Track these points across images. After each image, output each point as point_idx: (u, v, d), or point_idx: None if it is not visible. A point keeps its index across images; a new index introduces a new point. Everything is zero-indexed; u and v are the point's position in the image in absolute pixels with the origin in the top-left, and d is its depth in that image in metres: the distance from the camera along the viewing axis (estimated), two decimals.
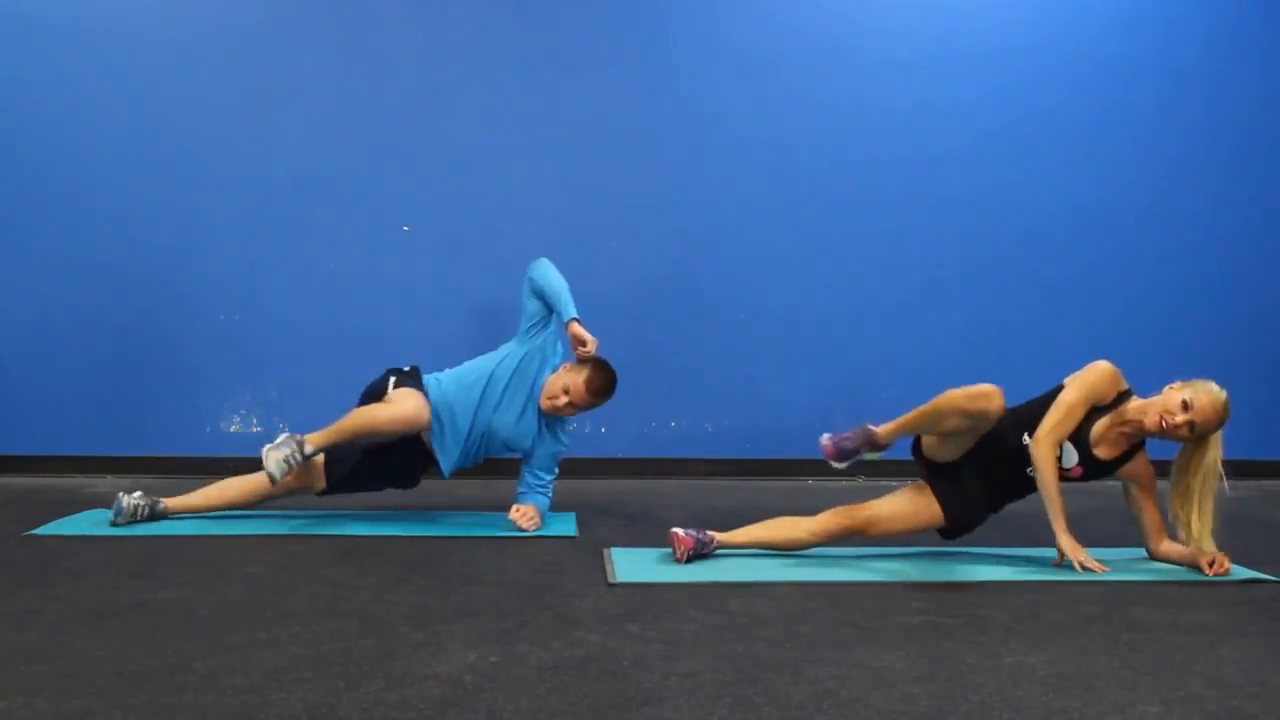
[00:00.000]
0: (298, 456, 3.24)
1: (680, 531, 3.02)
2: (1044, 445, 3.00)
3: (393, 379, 3.45)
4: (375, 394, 3.44)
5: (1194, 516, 2.98)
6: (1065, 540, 3.02)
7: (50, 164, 4.49)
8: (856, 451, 3.06)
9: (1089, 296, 4.95)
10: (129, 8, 4.53)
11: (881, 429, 3.04)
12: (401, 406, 3.32)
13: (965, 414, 2.91)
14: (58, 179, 4.49)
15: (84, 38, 4.50)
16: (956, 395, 2.92)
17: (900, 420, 3.04)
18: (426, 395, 3.41)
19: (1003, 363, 4.74)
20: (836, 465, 3.10)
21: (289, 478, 3.34)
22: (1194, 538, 2.99)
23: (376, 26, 4.65)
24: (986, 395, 2.90)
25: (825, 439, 3.10)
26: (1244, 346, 5.03)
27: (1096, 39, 4.96)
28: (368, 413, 3.33)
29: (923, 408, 2.98)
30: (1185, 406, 2.91)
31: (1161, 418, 2.92)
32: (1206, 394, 2.92)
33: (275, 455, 3.22)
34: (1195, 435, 2.95)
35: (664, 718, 1.82)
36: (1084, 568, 2.97)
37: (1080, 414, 3.02)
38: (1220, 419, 2.93)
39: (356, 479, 3.54)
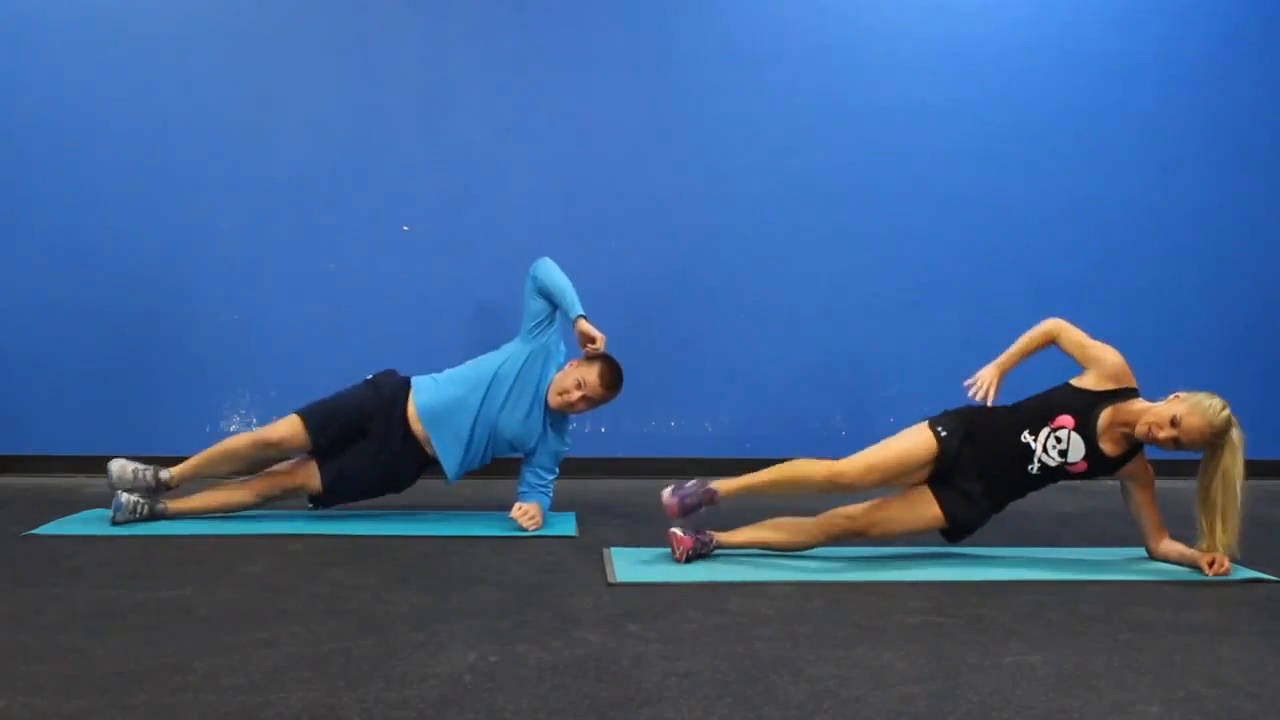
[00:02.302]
0: (147, 476, 3.37)
1: (680, 531, 3.02)
2: (1055, 320, 3.20)
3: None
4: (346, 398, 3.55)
5: (1218, 525, 2.97)
6: (989, 367, 3.19)
7: (50, 163, 4.49)
8: (698, 507, 3.05)
9: (1089, 296, 4.94)
10: (129, 8, 4.52)
11: (722, 487, 3.06)
12: (266, 429, 3.48)
13: (820, 492, 3.08)
14: (57, 178, 4.49)
15: (84, 38, 4.49)
16: (814, 472, 3.05)
17: (745, 481, 3.09)
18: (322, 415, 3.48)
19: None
20: (678, 520, 3.05)
21: (280, 483, 3.49)
22: (1218, 548, 2.98)
23: (376, 26, 4.65)
24: (845, 479, 3.03)
25: (667, 494, 3.04)
26: (1244, 346, 5.03)
27: (1096, 39, 4.96)
28: (231, 438, 3.52)
29: (775, 473, 3.08)
30: (1173, 422, 2.91)
31: (1149, 428, 2.93)
32: (1200, 414, 2.91)
33: (125, 463, 3.39)
34: (1181, 450, 2.96)
35: (664, 718, 1.82)
36: (980, 386, 3.13)
37: (1093, 347, 3.12)
38: (1207, 439, 2.92)
39: (343, 484, 3.51)
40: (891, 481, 3.12)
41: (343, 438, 3.47)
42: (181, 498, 3.46)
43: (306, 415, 3.46)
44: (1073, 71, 4.95)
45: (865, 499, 3.16)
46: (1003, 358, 3.20)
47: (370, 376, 3.62)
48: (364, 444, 3.49)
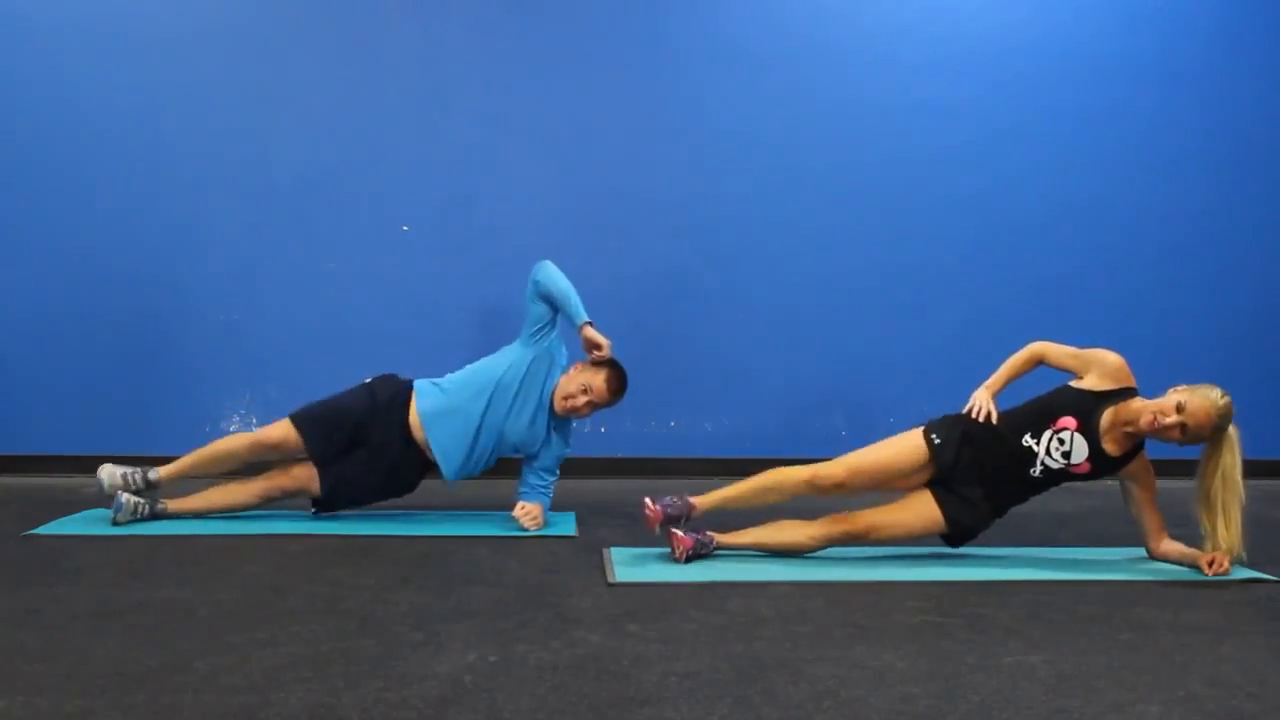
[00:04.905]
0: (138, 478, 3.39)
1: (680, 531, 3.02)
2: (1037, 343, 3.24)
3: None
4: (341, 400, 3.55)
5: (1220, 524, 2.96)
6: (980, 390, 3.19)
7: (50, 164, 4.49)
8: (678, 519, 3.06)
9: (1088, 296, 4.95)
10: (129, 8, 4.52)
11: (700, 501, 3.09)
12: (261, 431, 3.51)
13: (799, 492, 3.07)
14: (57, 179, 4.49)
15: (84, 38, 4.49)
16: (797, 476, 3.06)
17: (722, 494, 3.11)
18: (323, 420, 3.48)
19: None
20: (658, 530, 3.07)
21: (281, 484, 3.49)
22: (1223, 547, 2.97)
23: (376, 26, 4.65)
24: (830, 479, 3.05)
25: (649, 502, 3.07)
26: (1243, 345, 5.04)
27: (1096, 39, 4.96)
28: (226, 438, 3.53)
29: (751, 485, 3.10)
30: (1179, 409, 2.90)
31: (1154, 417, 2.92)
32: (1203, 398, 2.91)
33: (113, 469, 3.40)
34: (1188, 438, 2.94)
35: (664, 718, 1.82)
36: (979, 410, 3.11)
37: (1087, 351, 3.13)
38: (1214, 424, 2.92)
39: (343, 490, 3.51)
40: (883, 486, 3.12)
41: (338, 442, 3.46)
42: (182, 498, 3.46)
43: (297, 420, 3.48)
44: (1072, 71, 4.95)
45: (865, 502, 3.16)
46: (991, 380, 3.21)
47: (369, 380, 3.60)
48: (362, 451, 3.48)
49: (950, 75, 4.88)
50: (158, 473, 3.46)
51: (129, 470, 3.43)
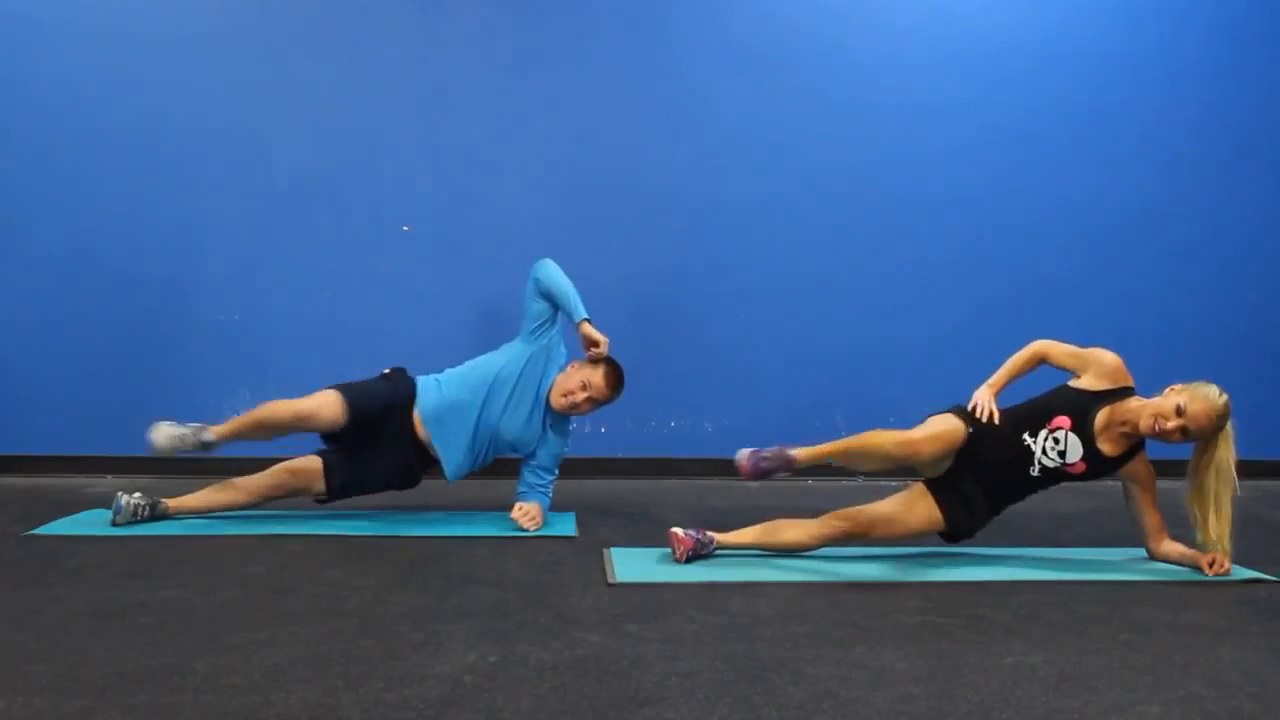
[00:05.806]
0: (191, 439, 3.27)
1: (680, 531, 3.02)
2: (1040, 341, 3.22)
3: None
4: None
5: (1211, 516, 2.96)
6: (982, 389, 3.15)
7: (50, 164, 4.49)
8: (773, 472, 2.98)
9: (1089, 296, 4.95)
10: (129, 8, 4.53)
11: (799, 453, 2.98)
12: (305, 402, 3.36)
13: (889, 459, 2.95)
14: (57, 179, 4.49)
15: (84, 38, 4.49)
16: (885, 440, 2.95)
17: (822, 448, 3.00)
18: (360, 400, 3.41)
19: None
20: (750, 483, 3.01)
21: (283, 483, 3.42)
22: (1212, 538, 2.97)
23: (376, 26, 4.65)
24: (914, 446, 2.94)
25: (742, 455, 2.99)
26: (1243, 345, 5.04)
27: (1096, 39, 4.97)
28: (271, 405, 3.37)
29: (848, 442, 3.00)
30: (1179, 412, 2.90)
31: (1155, 420, 2.92)
32: (1203, 400, 2.91)
33: (169, 430, 3.27)
34: (1188, 440, 2.95)
35: (664, 718, 1.82)
36: (981, 409, 3.07)
37: (1087, 351, 3.12)
38: (1215, 425, 2.92)
39: (355, 483, 3.53)
40: (941, 456, 3.02)
41: (364, 424, 3.42)
42: (182, 497, 3.46)
43: (347, 394, 3.40)
44: (1072, 71, 4.95)
45: (865, 501, 3.16)
46: (993, 379, 3.18)
47: (386, 371, 3.59)
48: (376, 444, 3.48)
49: (951, 75, 4.88)
50: (213, 434, 3.35)
51: (183, 431, 3.29)
